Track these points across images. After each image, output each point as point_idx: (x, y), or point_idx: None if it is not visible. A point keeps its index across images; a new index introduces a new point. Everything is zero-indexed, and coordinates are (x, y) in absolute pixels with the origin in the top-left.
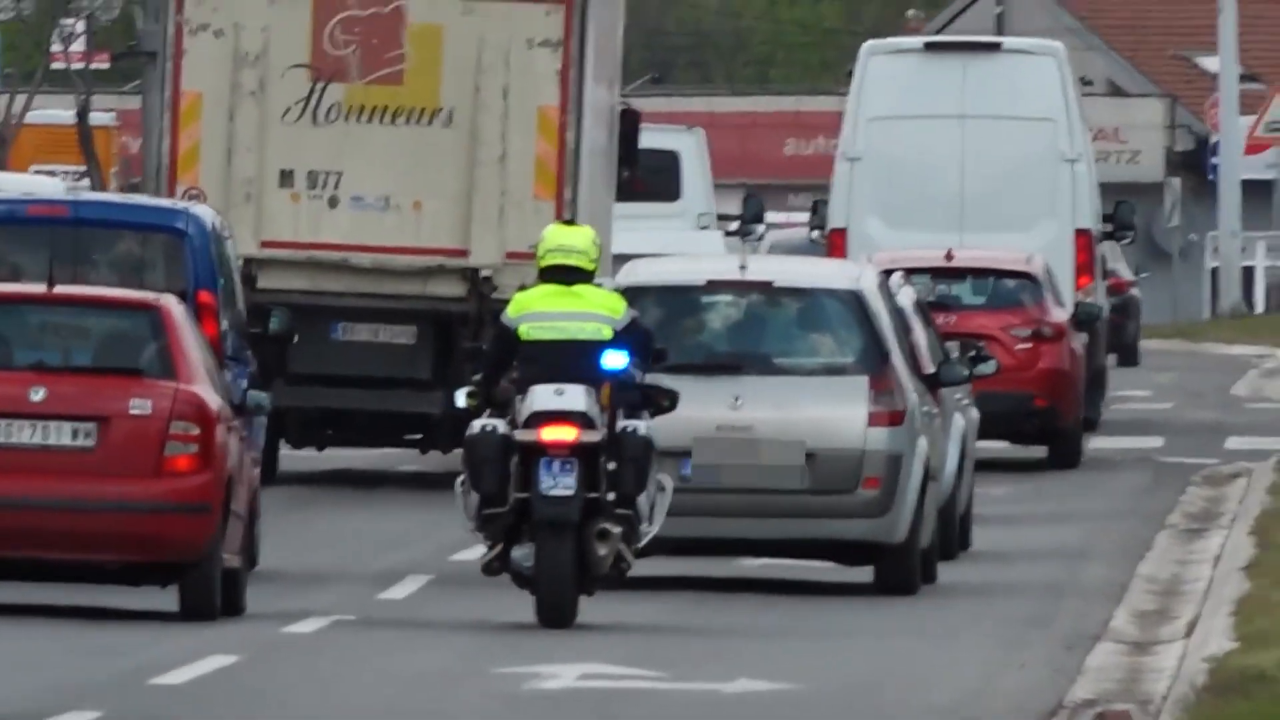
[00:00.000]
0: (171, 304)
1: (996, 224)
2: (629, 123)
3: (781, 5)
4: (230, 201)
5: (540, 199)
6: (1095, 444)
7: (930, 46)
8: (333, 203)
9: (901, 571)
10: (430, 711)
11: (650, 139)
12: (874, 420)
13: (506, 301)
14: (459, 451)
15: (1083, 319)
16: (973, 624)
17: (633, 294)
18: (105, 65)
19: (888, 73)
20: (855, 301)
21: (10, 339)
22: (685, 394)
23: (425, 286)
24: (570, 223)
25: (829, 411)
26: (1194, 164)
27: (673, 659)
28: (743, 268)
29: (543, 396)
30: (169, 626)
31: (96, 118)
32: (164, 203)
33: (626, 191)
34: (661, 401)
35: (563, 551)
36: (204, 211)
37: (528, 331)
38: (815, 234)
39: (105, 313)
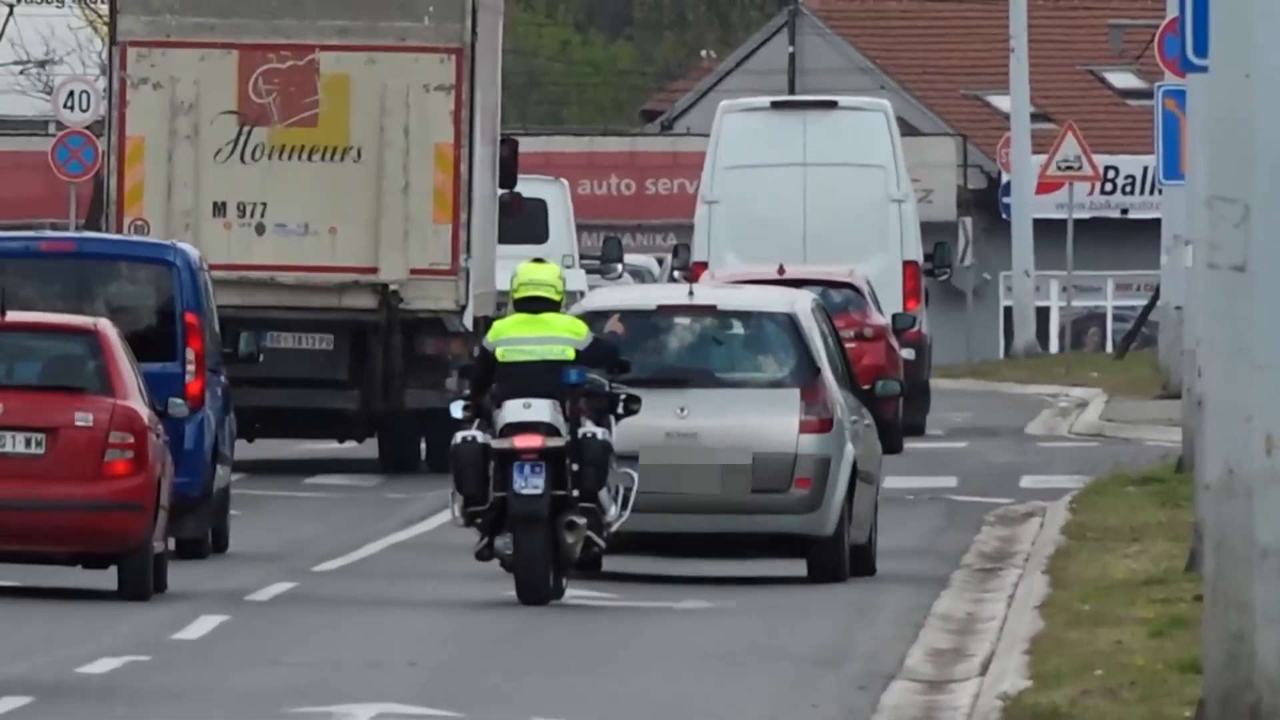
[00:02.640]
0: (107, 328)
1: (835, 257)
2: (509, 149)
3: (575, 46)
4: (171, 230)
5: (439, 223)
6: (890, 483)
7: (776, 105)
8: (259, 230)
9: (831, 562)
10: None
11: (522, 188)
12: (804, 428)
13: (412, 311)
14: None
15: (899, 325)
16: (765, 660)
17: (593, 317)
18: None
19: (740, 128)
20: (790, 323)
21: None
22: None
23: (341, 300)
24: (539, 261)
25: (765, 420)
26: (986, 203)
27: (469, 698)
28: (690, 294)
29: (513, 410)
30: None
31: None
32: (155, 240)
33: (507, 234)
34: (631, 405)
35: (535, 541)
36: (188, 248)
37: (504, 354)
38: (677, 274)
39: (51, 337)
